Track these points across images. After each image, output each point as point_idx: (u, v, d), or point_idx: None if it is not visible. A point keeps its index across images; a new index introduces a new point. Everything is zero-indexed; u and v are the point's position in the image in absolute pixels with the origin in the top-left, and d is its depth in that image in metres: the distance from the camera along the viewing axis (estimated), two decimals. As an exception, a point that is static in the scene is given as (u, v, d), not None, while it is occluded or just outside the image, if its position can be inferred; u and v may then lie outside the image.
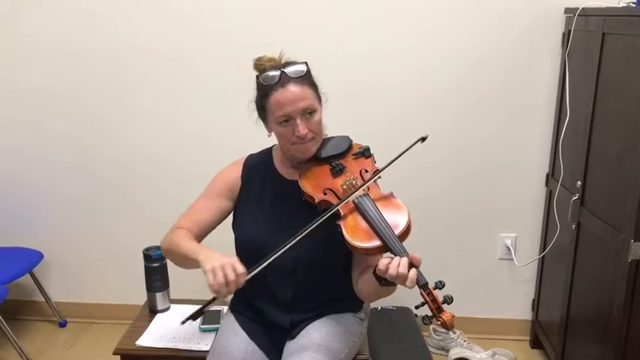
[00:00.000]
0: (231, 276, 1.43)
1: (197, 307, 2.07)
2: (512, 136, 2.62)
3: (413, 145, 1.56)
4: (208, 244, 1.79)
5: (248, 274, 1.48)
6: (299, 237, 1.52)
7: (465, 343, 2.68)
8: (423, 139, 1.56)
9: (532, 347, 2.78)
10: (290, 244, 1.52)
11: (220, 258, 1.48)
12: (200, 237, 1.76)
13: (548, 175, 2.61)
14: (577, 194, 2.20)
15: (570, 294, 2.29)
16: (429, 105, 2.60)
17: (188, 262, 1.61)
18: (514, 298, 2.81)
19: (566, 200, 2.29)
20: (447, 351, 2.68)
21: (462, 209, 2.73)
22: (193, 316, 1.61)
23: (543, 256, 2.65)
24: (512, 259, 2.73)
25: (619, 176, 1.91)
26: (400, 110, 2.61)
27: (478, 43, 2.53)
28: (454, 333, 2.71)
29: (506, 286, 2.80)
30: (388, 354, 2.42)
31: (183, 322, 1.65)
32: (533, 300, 2.78)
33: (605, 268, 1.99)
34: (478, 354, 2.58)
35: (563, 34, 2.44)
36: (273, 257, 1.51)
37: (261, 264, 1.51)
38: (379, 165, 1.66)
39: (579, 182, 2.18)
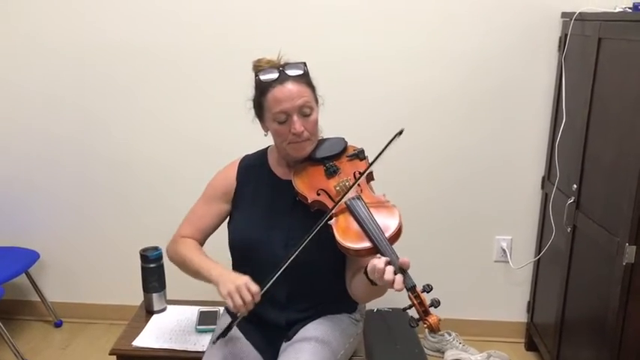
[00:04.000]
0: (248, 297, 1.50)
1: (194, 307, 2.12)
2: (508, 139, 2.63)
3: (392, 140, 1.54)
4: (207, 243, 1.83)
5: (261, 289, 1.53)
6: (304, 244, 1.54)
7: (461, 345, 2.69)
8: (399, 134, 1.53)
9: (527, 349, 2.79)
10: (297, 253, 1.54)
11: (234, 279, 1.53)
12: (203, 241, 1.82)
13: (544, 178, 2.63)
14: (573, 197, 2.21)
15: (565, 297, 2.30)
16: (425, 108, 2.61)
17: (198, 276, 1.67)
18: (509, 301, 2.82)
19: (562, 203, 2.30)
20: (443, 353, 2.69)
21: (458, 211, 2.74)
22: (224, 334, 1.65)
23: (539, 259, 2.66)
24: (508, 262, 2.74)
25: (614, 180, 1.92)
26: (396, 113, 2.61)
27: (475, 47, 2.54)
28: (450, 335, 2.71)
29: (501, 289, 2.81)
30: (384, 355, 2.42)
31: (214, 342, 1.68)
32: (529, 302, 2.79)
33: (600, 271, 2.00)
34: (473, 356, 2.59)
35: (560, 38, 2.46)
36: (282, 269, 1.54)
37: (273, 276, 1.54)
38: (374, 167, 1.66)
39: (575, 185, 2.19)
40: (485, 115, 2.61)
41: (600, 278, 1.99)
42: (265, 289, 1.54)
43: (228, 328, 1.63)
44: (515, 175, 2.67)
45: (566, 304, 2.30)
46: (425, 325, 1.38)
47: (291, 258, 1.54)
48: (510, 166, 2.66)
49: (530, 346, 2.77)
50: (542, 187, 2.64)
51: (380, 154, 1.56)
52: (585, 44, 2.16)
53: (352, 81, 2.58)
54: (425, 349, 2.60)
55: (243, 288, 1.49)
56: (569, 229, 2.24)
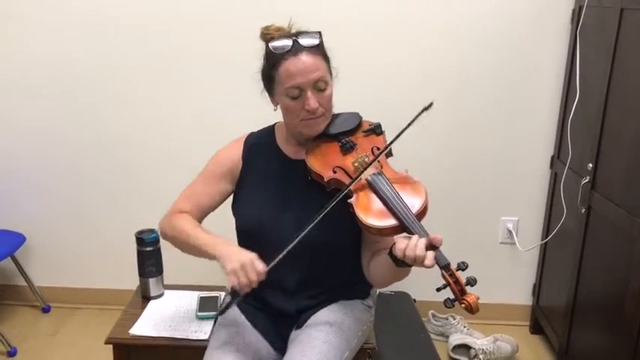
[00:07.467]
0: (253, 276, 1.39)
1: (193, 292, 2.01)
2: (515, 117, 2.54)
3: (419, 115, 1.44)
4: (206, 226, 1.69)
5: (267, 267, 1.41)
6: (315, 221, 1.41)
7: (465, 329, 2.62)
8: (428, 108, 1.44)
9: (532, 332, 2.73)
10: (306, 231, 1.41)
11: (239, 256, 1.41)
12: (201, 220, 1.68)
13: (553, 157, 2.54)
14: (587, 177, 2.12)
15: (578, 279, 2.22)
16: (432, 83, 2.51)
17: (199, 253, 1.53)
18: (515, 283, 2.75)
19: (575, 183, 2.21)
20: (447, 337, 2.61)
21: (464, 192, 2.65)
22: (222, 312, 1.53)
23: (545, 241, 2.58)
24: (514, 243, 2.67)
25: (636, 158, 1.83)
26: (401, 89, 2.50)
27: (483, 19, 2.43)
28: (454, 319, 2.64)
29: (507, 271, 2.74)
30: (389, 340, 2.34)
31: (217, 318, 1.66)
32: (534, 285, 2.72)
33: (618, 253, 1.92)
34: (479, 340, 2.51)
35: (573, 10, 2.36)
36: (290, 246, 1.42)
37: (279, 256, 1.42)
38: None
39: (590, 165, 2.10)
40: (492, 92, 2.52)
41: (618, 261, 1.92)
42: (271, 266, 1.42)
43: (227, 306, 1.52)
44: (522, 154, 2.59)
45: (578, 287, 2.22)
46: (462, 306, 1.29)
47: (302, 234, 1.41)
48: (517, 145, 2.58)
49: (536, 329, 2.71)
50: (551, 166, 2.55)
51: (405, 128, 1.43)
52: (604, 16, 2.06)
53: (362, 55, 2.46)
54: (429, 334, 2.53)
55: (248, 265, 1.38)
56: (583, 210, 2.15)
